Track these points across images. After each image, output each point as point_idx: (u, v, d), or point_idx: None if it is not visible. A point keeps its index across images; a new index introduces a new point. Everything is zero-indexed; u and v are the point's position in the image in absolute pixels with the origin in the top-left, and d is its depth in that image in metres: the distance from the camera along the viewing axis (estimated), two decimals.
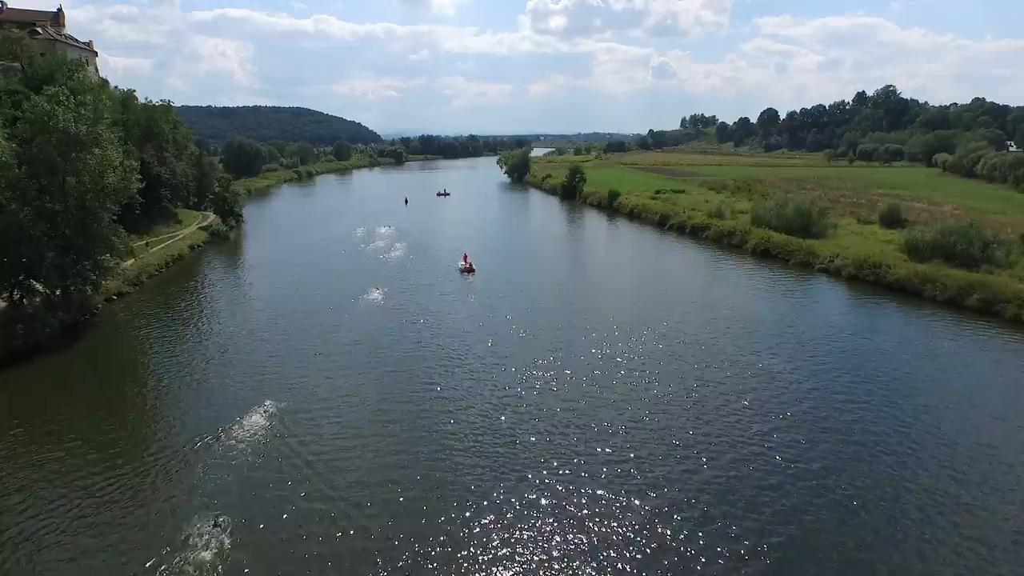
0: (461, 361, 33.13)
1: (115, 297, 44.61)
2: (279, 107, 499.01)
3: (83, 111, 37.30)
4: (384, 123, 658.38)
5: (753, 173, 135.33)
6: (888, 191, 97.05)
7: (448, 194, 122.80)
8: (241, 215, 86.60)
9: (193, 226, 73.42)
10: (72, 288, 38.41)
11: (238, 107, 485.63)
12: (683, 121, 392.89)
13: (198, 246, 66.24)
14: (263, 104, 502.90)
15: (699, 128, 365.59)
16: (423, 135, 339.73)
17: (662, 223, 76.77)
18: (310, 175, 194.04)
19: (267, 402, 28.11)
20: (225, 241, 72.13)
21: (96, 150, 37.60)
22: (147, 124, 71.58)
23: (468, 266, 54.34)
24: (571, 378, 30.74)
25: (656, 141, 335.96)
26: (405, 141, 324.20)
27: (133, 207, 64.24)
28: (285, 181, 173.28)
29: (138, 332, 39.45)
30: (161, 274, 53.51)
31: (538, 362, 32.72)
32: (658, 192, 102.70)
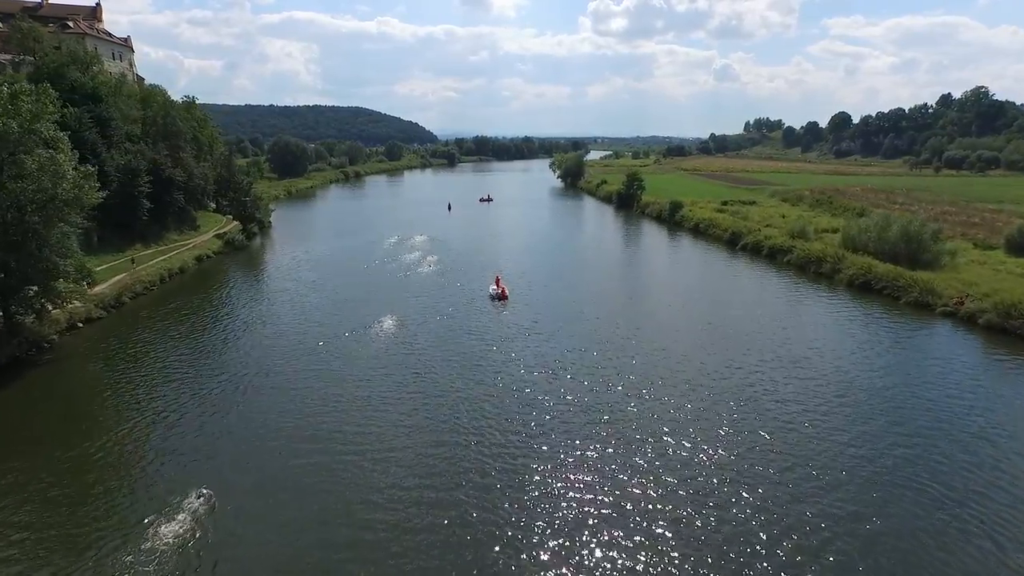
0: (473, 443, 24.65)
1: (80, 325, 37.91)
2: (337, 106, 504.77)
3: (24, 105, 30.46)
4: (442, 124, 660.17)
5: (828, 182, 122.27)
6: (995, 206, 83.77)
7: (491, 200, 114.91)
8: (267, 220, 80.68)
9: (210, 233, 67.44)
10: (15, 316, 31.86)
11: (298, 106, 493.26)
12: (746, 125, 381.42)
13: (208, 257, 59.88)
14: (324, 104, 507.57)
15: (763, 132, 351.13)
16: (477, 136, 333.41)
17: (733, 242, 66.48)
18: (358, 176, 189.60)
19: (203, 490, 20.70)
20: (241, 250, 65.70)
21: (40, 151, 30.76)
22: (164, 122, 65.99)
23: (500, 291, 46.01)
24: (627, 462, 21.95)
25: (718, 146, 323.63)
26: (459, 142, 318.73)
27: (139, 212, 59.22)
28: (332, 182, 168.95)
29: (88, 373, 32.44)
30: (151, 292, 46.96)
31: (577, 442, 24.09)
32: (725, 203, 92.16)
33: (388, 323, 40.02)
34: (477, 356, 34.31)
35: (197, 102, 78.71)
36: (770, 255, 59.42)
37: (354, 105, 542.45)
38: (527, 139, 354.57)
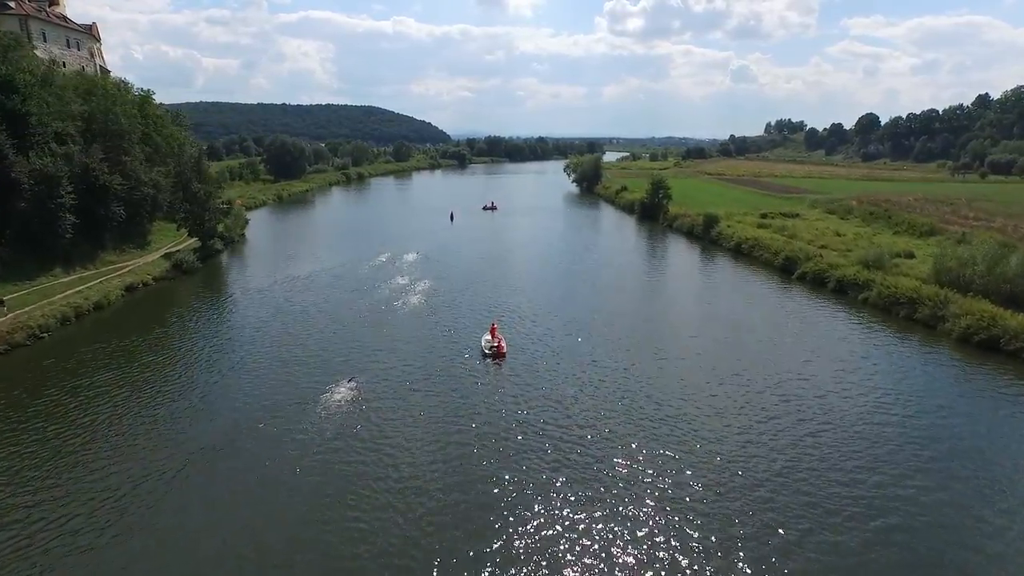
0: None
1: None
2: (350, 105, 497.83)
3: None
4: (457, 123, 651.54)
5: (867, 189, 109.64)
6: None
7: (495, 208, 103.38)
8: (236, 234, 70.01)
9: (158, 253, 56.76)
10: None
11: (311, 105, 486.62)
12: (767, 127, 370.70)
13: (143, 285, 48.97)
14: (339, 103, 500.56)
15: (785, 134, 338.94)
16: (489, 136, 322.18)
17: (787, 269, 54.52)
18: (361, 177, 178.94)
19: None
20: (192, 274, 54.67)
21: None
22: (104, 119, 55.27)
23: (497, 345, 34.82)
24: None
25: (738, 147, 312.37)
26: (471, 142, 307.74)
27: (59, 229, 48.15)
28: (332, 184, 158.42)
29: None
30: (40, 341, 36.06)
31: None
32: (764, 216, 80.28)
33: (340, 394, 29.24)
34: (447, 466, 23.12)
35: (153, 96, 67.97)
36: (839, 289, 47.50)
37: (369, 104, 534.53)
38: (541, 140, 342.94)
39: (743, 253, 62.81)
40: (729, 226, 70.26)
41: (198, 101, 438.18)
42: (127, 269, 50.21)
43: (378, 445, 24.72)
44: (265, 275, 55.03)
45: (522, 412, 27.64)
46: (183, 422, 26.75)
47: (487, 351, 34.58)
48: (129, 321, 41.18)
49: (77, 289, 43.02)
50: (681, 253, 68.35)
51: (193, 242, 61.15)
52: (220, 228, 65.00)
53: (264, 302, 45.98)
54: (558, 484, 22.09)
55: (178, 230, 61.75)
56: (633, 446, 24.69)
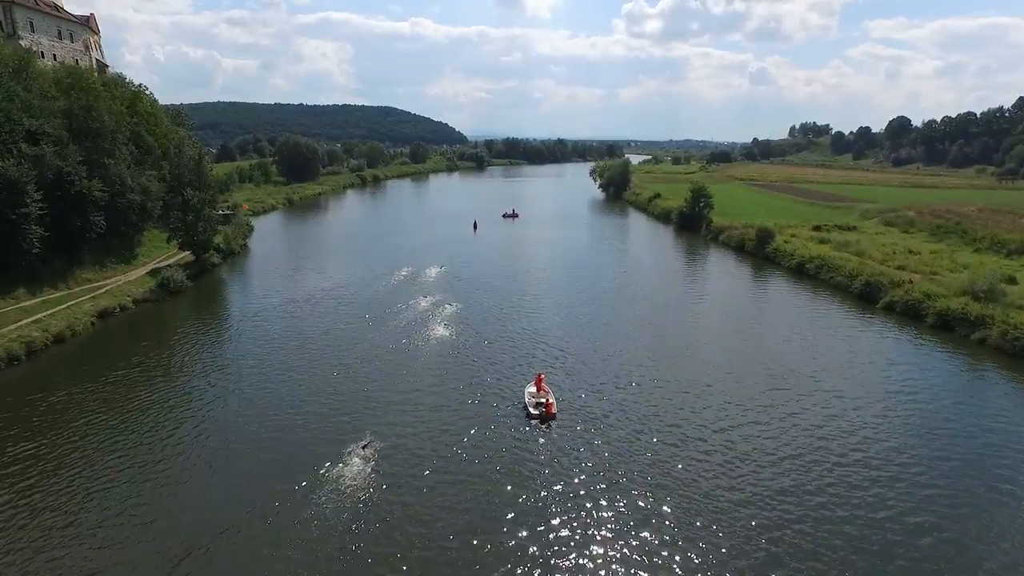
0: None
1: None
2: (366, 106, 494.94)
3: None
4: (473, 124, 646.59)
5: (917, 198, 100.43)
6: None
7: (516, 215, 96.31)
8: (237, 245, 63.37)
9: (143, 269, 50.14)
10: None
11: (328, 105, 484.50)
12: (791, 130, 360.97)
13: (120, 309, 42.17)
14: (356, 103, 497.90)
15: (810, 138, 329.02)
16: (508, 137, 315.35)
17: (867, 296, 46.77)
18: (376, 180, 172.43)
19: None
20: (178, 294, 47.84)
21: None
22: (85, 117, 48.70)
23: (546, 403, 27.59)
24: None
25: (762, 151, 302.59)
26: (489, 143, 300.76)
27: (23, 243, 41.28)
28: (346, 187, 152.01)
29: None
30: None
31: None
32: (817, 228, 72.40)
33: (353, 468, 22.62)
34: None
35: (146, 91, 61.44)
36: (942, 325, 39.60)
37: (386, 105, 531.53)
38: (560, 141, 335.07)
39: (807, 274, 54.91)
40: (786, 241, 62.45)
41: (216, 101, 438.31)
42: (104, 289, 43.56)
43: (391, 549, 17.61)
44: (265, 296, 48.20)
45: (583, 509, 20.40)
46: (131, 523, 19.78)
47: (533, 410, 27.36)
48: (92, 359, 34.19)
49: (36, 317, 36.31)
50: (733, 273, 60.31)
51: (186, 255, 54.53)
52: (218, 239, 58.23)
53: (259, 333, 39.04)
54: None
55: (168, 242, 55.05)
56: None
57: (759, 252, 63.55)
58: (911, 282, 45.37)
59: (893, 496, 21.77)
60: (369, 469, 22.72)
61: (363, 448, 24.16)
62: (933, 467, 23.72)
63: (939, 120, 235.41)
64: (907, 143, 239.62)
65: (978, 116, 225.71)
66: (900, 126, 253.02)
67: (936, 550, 19.12)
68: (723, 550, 18.85)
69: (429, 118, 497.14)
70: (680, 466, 23.49)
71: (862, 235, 69.58)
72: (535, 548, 18.84)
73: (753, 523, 20.17)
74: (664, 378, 32.18)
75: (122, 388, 30.15)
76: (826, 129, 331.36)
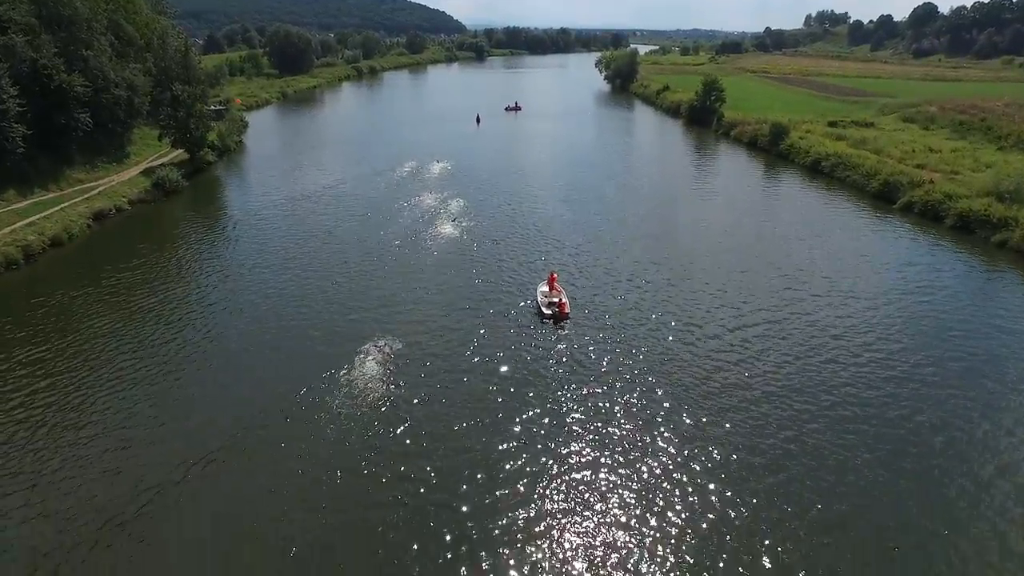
0: None
1: None
2: None
3: None
4: (471, 13, 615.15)
5: (940, 92, 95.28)
6: None
7: (519, 108, 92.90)
8: (233, 142, 61.24)
9: (137, 168, 48.48)
10: None
11: None
12: (807, 19, 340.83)
13: (114, 211, 40.88)
14: None
15: (826, 27, 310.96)
16: (508, 27, 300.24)
17: (885, 196, 45.31)
18: (373, 72, 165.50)
19: None
20: (172, 196, 46.40)
21: None
22: (53, 1, 45.30)
23: (559, 302, 27.14)
24: None
25: (775, 41, 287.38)
26: (488, 33, 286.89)
27: (6, 143, 39.34)
28: (342, 79, 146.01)
29: None
30: None
31: None
32: (832, 124, 69.55)
33: (369, 366, 22.58)
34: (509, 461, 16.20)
35: None
36: (962, 227, 38.51)
37: None
38: (563, 31, 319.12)
39: (822, 172, 53.16)
40: (801, 137, 60.13)
41: None
42: (97, 191, 42.22)
43: (410, 447, 17.70)
44: (264, 194, 46.98)
45: (598, 411, 20.36)
46: (146, 424, 19.78)
47: (545, 309, 26.96)
48: (92, 262, 33.42)
49: (29, 220, 35.28)
50: (745, 170, 58.41)
51: (180, 154, 52.67)
52: (212, 137, 56.06)
53: (261, 233, 38.18)
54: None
55: (160, 140, 52.99)
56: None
57: (772, 148, 61.35)
58: (931, 182, 43.83)
59: (906, 395, 21.68)
60: (385, 369, 22.56)
61: (377, 348, 23.97)
62: (947, 367, 23.54)
63: (969, 6, 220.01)
64: (931, 32, 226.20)
65: (1013, 1, 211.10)
66: (925, 13, 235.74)
67: (949, 447, 19.16)
68: (740, 447, 18.89)
69: (425, 5, 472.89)
70: (696, 365, 23.31)
71: (880, 132, 66.89)
72: (552, 444, 18.90)
73: (769, 420, 20.15)
74: (677, 277, 31.59)
75: (123, 291, 29.62)
76: (844, 18, 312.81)
